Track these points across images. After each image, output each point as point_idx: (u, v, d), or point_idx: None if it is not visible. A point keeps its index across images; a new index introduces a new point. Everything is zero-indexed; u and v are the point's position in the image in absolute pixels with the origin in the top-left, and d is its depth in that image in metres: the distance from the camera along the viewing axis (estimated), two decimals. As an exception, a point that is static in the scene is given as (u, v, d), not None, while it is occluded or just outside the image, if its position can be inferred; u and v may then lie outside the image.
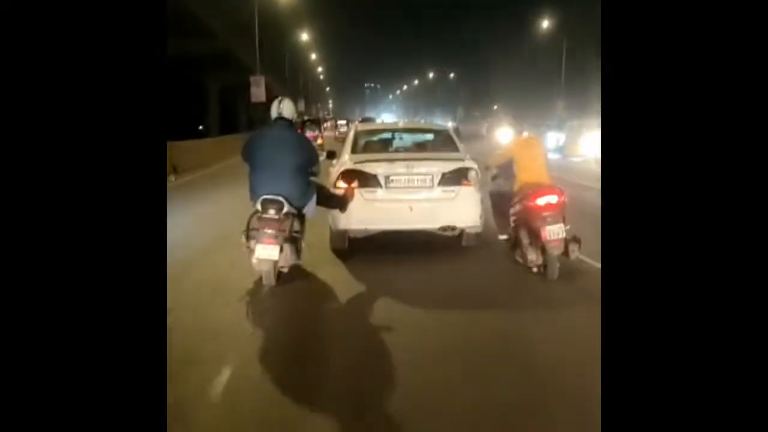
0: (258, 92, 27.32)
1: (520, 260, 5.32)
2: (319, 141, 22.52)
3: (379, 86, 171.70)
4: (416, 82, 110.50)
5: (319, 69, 76.88)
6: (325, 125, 35.49)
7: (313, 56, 65.79)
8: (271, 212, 4.67)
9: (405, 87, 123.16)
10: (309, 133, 26.87)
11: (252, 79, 27.91)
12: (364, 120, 39.72)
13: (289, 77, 49.50)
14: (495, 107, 59.45)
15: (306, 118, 33.21)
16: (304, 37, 49.64)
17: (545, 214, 4.94)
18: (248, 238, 4.72)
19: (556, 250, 4.89)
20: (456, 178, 5.77)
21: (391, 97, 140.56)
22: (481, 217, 5.85)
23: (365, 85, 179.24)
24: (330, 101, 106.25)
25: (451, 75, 78.29)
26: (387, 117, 65.13)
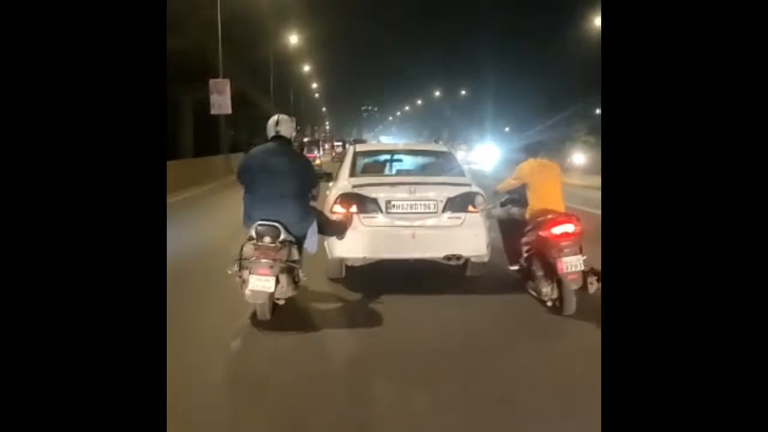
0: (221, 101, 20.82)
1: (533, 293, 4.96)
2: (318, 162, 22.43)
3: (376, 108, 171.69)
4: (419, 101, 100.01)
5: (314, 85, 69.20)
6: (324, 146, 35.11)
7: (306, 68, 54.32)
8: (267, 239, 4.31)
9: (407, 107, 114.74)
10: (308, 155, 26.62)
11: (212, 83, 20.76)
12: (356, 142, 37.94)
13: (279, 92, 40.53)
14: (507, 129, 54.98)
15: (306, 139, 32.53)
16: (294, 41, 41.29)
17: (562, 244, 4.57)
18: (241, 267, 4.35)
19: (573, 284, 4.53)
20: (462, 203, 5.44)
21: (390, 118, 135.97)
22: (488, 246, 5.51)
23: (362, 108, 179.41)
24: (327, 123, 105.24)
25: (463, 92, 68.09)
26: (385, 141, 62.76)
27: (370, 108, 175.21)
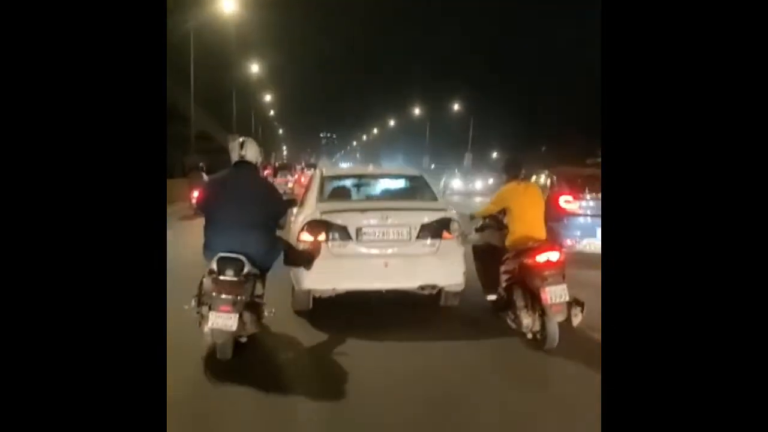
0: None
1: (513, 325, 4.68)
2: (290, 185, 22.63)
3: (335, 135, 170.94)
4: (392, 122, 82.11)
5: (267, 98, 54.84)
6: (295, 171, 34.51)
7: (255, 68, 39.84)
8: (229, 273, 3.93)
9: (375, 130, 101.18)
10: (280, 179, 26.43)
11: None
12: (308, 167, 36.97)
13: (220, 105, 30.57)
14: (495, 155, 48.11)
15: (277, 163, 31.82)
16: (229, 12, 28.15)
17: (546, 273, 4.32)
18: (200, 303, 3.95)
19: (558, 316, 4.27)
20: (437, 229, 5.16)
21: (355, 143, 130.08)
22: (464, 274, 5.24)
23: (321, 135, 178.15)
24: (284, 147, 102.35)
25: (455, 107, 52.07)
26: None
27: (329, 135, 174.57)
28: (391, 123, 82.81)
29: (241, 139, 4.48)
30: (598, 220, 7.74)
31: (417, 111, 66.25)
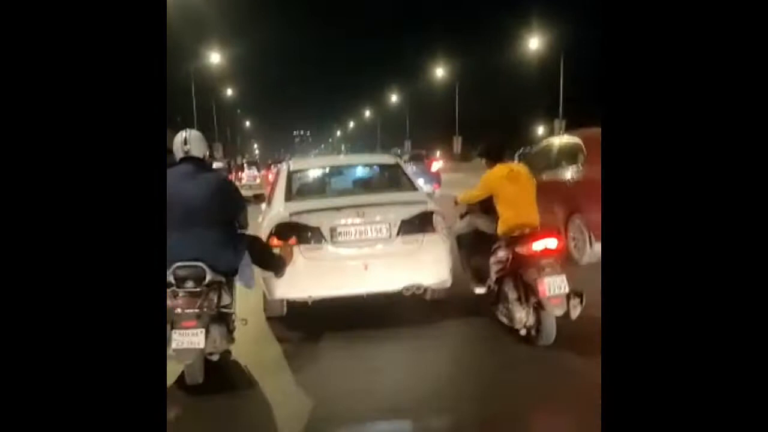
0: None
1: (505, 320, 4.31)
2: (257, 181, 23.11)
3: (309, 133, 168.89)
4: (394, 97, 65.01)
5: (215, 58, 39.42)
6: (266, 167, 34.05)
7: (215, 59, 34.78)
8: (189, 284, 3.49)
9: (352, 123, 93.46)
10: (247, 172, 26.12)
11: None
12: (274, 163, 35.79)
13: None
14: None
15: (244, 160, 31.99)
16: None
17: (543, 262, 3.94)
18: None
19: (557, 309, 3.89)
20: (419, 224, 4.74)
21: (337, 135, 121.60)
22: (451, 271, 4.85)
23: (294, 132, 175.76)
24: (255, 144, 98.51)
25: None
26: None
27: (302, 133, 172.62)
28: (394, 98, 66.02)
29: (182, 134, 3.91)
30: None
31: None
